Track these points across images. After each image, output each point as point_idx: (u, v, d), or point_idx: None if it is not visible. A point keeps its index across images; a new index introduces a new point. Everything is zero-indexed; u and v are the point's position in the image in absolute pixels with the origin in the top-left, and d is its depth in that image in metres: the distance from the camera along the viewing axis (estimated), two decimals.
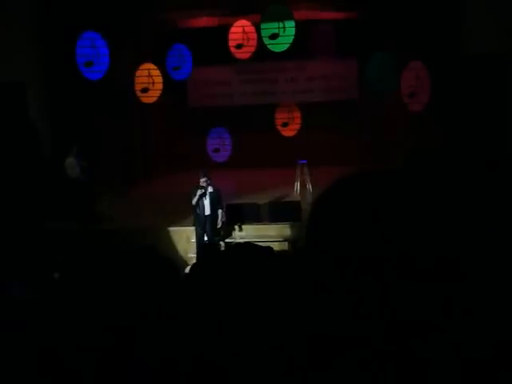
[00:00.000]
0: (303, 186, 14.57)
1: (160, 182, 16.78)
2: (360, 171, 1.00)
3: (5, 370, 2.05)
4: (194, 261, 9.84)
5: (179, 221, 12.00)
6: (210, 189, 11.18)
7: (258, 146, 18.00)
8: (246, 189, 14.95)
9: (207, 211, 11.11)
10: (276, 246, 9.93)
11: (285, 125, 16.22)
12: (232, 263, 2.07)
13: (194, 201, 11.04)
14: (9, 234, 10.35)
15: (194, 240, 11.31)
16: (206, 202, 11.13)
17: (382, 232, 0.90)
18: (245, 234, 11.82)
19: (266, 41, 13.05)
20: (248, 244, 2.26)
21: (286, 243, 11.13)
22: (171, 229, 11.80)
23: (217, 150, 16.51)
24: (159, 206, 13.34)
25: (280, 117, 16.23)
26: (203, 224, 11.09)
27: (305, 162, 15.18)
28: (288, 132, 16.22)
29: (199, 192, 11.03)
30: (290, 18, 12.90)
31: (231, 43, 13.72)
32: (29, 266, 7.10)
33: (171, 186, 16.11)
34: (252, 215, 12.31)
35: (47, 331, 2.30)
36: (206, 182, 11.13)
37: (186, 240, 11.44)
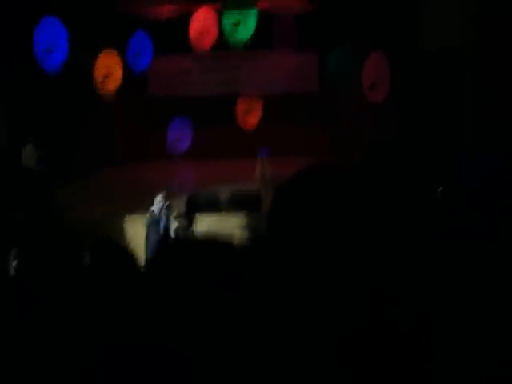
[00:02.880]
0: (263, 176, 14.29)
1: (120, 171, 16.54)
2: (319, 164, 1.04)
3: None
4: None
5: (138, 210, 11.80)
6: (163, 218, 10.42)
7: (219, 136, 17.82)
8: (207, 180, 14.85)
9: (161, 230, 10.44)
10: (235, 236, 9.87)
11: (246, 115, 16.25)
12: (189, 256, 2.00)
13: (150, 221, 10.32)
14: None
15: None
16: (162, 219, 10.47)
17: (339, 222, 0.93)
18: (205, 224, 11.69)
19: (228, 30, 13.00)
20: (205, 236, 2.24)
21: (245, 232, 11.10)
22: (130, 217, 11.75)
23: (177, 140, 16.56)
24: (118, 196, 13.24)
25: (241, 108, 16.23)
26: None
27: (265, 152, 14.85)
28: (249, 123, 16.24)
29: (157, 208, 10.34)
30: (251, 7, 12.87)
31: (192, 33, 13.62)
32: None
33: (131, 175, 16.06)
34: (212, 205, 12.29)
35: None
36: (163, 207, 10.45)
37: (143, 228, 11.01)
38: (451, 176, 11.02)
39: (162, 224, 10.40)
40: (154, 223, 10.36)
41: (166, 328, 1.62)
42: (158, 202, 10.46)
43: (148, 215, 10.52)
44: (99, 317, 2.22)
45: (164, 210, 10.45)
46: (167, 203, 10.57)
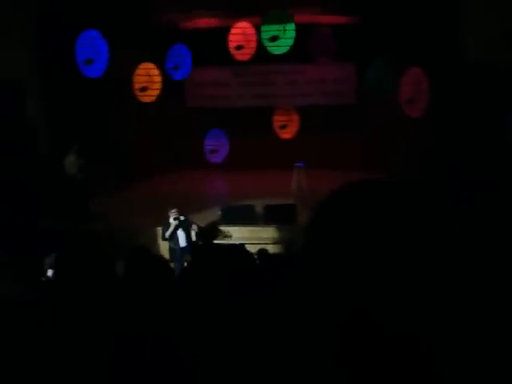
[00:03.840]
0: (300, 189, 14.45)
1: (156, 181, 16.59)
2: (362, 180, 1.02)
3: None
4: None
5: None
6: (182, 217, 10.75)
7: (256, 148, 17.75)
8: (242, 191, 14.85)
9: (182, 243, 10.66)
10: (270, 248, 9.78)
11: (283, 127, 16.37)
12: (222, 264, 2.09)
13: (168, 234, 10.60)
14: (3, 231, 10.27)
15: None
16: (181, 232, 10.68)
17: (382, 240, 0.91)
18: (239, 235, 11.69)
19: (266, 43, 13.07)
20: (238, 246, 2.29)
21: (280, 245, 11.00)
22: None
23: (214, 151, 16.85)
24: (153, 206, 13.16)
25: (278, 119, 16.40)
26: (179, 257, 10.41)
27: (302, 164, 15.09)
28: (286, 135, 16.32)
29: (174, 223, 10.60)
30: (290, 20, 12.92)
31: (231, 44, 13.72)
32: (22, 263, 6.88)
33: (167, 185, 16.06)
34: (247, 217, 12.24)
35: (43, 333, 2.27)
36: (177, 211, 10.71)
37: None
38: (489, 190, 10.92)
39: (181, 237, 10.66)
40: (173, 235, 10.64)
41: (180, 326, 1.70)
42: (174, 215, 10.67)
43: (167, 221, 10.68)
44: (133, 321, 2.22)
45: (181, 223, 10.67)
46: (183, 217, 10.76)
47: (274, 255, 8.56)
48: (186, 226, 10.73)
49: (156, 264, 3.10)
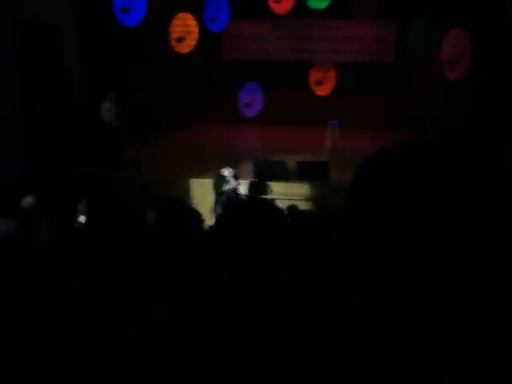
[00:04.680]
0: (333, 146, 14.22)
1: (188, 133, 16.51)
2: (398, 143, 1.01)
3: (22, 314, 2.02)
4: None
5: (205, 172, 11.67)
6: (239, 188, 10.33)
7: (290, 103, 17.62)
8: (275, 146, 14.72)
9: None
10: (301, 205, 9.65)
11: (319, 84, 16.08)
12: (253, 218, 2.13)
13: (219, 209, 9.97)
14: (39, 176, 10.32)
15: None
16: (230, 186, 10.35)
17: (419, 202, 0.90)
18: (273, 191, 11.73)
19: None
20: (269, 201, 2.26)
21: (311, 202, 10.90)
22: (196, 180, 11.66)
23: (248, 105, 16.52)
24: (186, 157, 13.19)
25: (315, 75, 16.09)
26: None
27: (336, 122, 14.81)
28: (322, 91, 16.09)
29: (225, 198, 10.03)
30: None
31: None
32: (56, 208, 6.90)
33: (199, 137, 16.05)
34: (279, 173, 12.09)
35: (68, 277, 2.28)
36: (234, 176, 10.28)
37: (210, 191, 11.07)
38: None
39: (230, 189, 10.45)
40: (223, 188, 10.43)
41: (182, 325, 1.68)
42: (228, 170, 10.49)
43: (215, 179, 10.48)
44: (164, 273, 2.24)
45: (233, 177, 10.48)
46: (235, 171, 10.59)
47: (304, 212, 8.47)
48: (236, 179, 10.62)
49: (187, 215, 3.13)
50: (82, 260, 2.51)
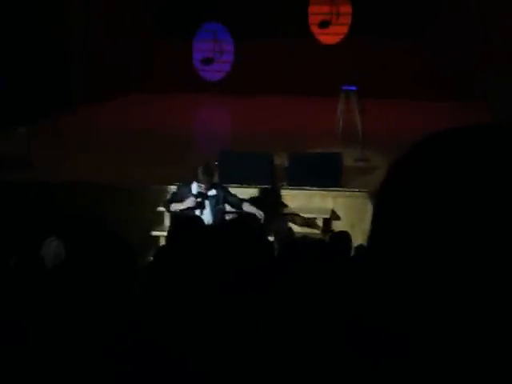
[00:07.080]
0: (349, 126, 11.45)
1: (104, 108, 13.42)
2: (450, 128, 0.85)
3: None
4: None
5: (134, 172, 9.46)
6: (211, 191, 9.02)
7: (278, 57, 14.45)
8: (254, 128, 12.19)
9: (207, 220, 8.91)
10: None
11: (324, 25, 14.03)
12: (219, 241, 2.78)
13: (179, 208, 8.91)
14: None
15: None
16: (207, 211, 9.10)
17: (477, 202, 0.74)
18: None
19: None
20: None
21: (319, 220, 9.14)
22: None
23: (208, 61, 14.49)
24: (103, 147, 10.85)
25: (317, 11, 13.94)
26: None
27: (354, 88, 11.95)
28: (328, 37, 14.16)
29: (191, 202, 8.82)
30: None
31: None
32: None
33: (121, 115, 13.07)
34: (260, 173, 10.26)
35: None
36: (207, 180, 8.77)
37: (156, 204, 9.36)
38: None
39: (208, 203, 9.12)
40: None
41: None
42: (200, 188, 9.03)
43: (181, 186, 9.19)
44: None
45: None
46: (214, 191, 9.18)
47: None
48: (216, 201, 9.17)
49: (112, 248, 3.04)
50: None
